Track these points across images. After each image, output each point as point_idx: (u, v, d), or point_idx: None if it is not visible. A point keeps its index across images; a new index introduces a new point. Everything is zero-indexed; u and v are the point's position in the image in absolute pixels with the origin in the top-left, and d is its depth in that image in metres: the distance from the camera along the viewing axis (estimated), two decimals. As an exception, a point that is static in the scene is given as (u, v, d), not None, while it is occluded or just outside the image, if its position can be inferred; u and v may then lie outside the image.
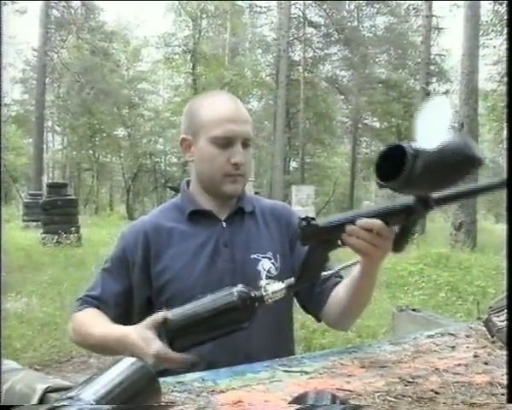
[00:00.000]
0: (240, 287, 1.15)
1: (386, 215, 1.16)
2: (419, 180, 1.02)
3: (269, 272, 1.47)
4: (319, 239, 1.20)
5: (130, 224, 1.62)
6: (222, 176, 1.46)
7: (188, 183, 1.60)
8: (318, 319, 1.56)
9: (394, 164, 1.01)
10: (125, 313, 1.49)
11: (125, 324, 1.38)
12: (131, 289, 1.50)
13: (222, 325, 1.15)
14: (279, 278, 1.34)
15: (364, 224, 1.15)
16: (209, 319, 1.13)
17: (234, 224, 1.53)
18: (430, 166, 1.01)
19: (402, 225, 1.18)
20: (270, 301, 1.18)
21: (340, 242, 1.20)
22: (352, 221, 1.16)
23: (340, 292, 1.44)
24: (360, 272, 1.30)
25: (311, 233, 1.19)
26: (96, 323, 1.42)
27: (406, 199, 1.15)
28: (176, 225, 1.52)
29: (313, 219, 1.19)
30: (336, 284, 1.47)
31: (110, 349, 1.35)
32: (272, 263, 1.49)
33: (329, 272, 1.28)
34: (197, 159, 1.50)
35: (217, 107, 1.47)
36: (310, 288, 1.50)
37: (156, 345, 1.17)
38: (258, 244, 1.51)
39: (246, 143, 1.47)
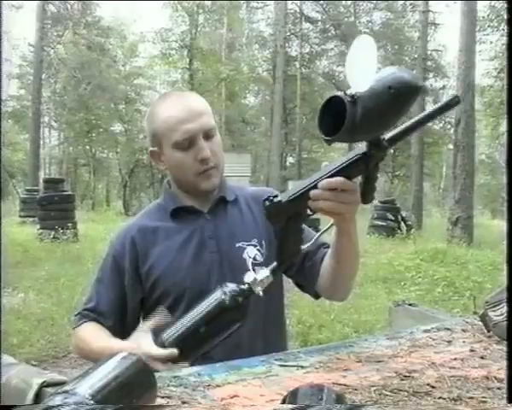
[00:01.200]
0: (229, 287, 1.15)
1: (345, 170, 1.12)
2: (363, 124, 0.99)
3: (255, 259, 1.48)
4: (287, 214, 1.17)
5: (116, 231, 1.63)
6: (194, 176, 1.47)
7: (169, 182, 1.61)
8: (315, 295, 1.55)
9: (337, 117, 0.99)
10: (122, 320, 1.50)
11: (123, 329, 1.42)
12: (125, 294, 1.51)
13: (220, 331, 1.16)
14: (265, 263, 1.33)
15: (326, 184, 1.12)
16: (206, 329, 1.13)
17: (217, 215, 1.54)
18: (370, 107, 0.97)
19: (365, 175, 1.14)
20: (259, 291, 1.17)
21: (308, 210, 1.17)
22: (314, 186, 1.13)
23: (327, 260, 1.44)
24: (338, 233, 1.31)
25: (277, 211, 1.16)
26: (94, 339, 1.44)
27: (360, 148, 1.11)
28: (160, 223, 1.53)
29: (276, 196, 1.17)
30: (326, 254, 1.47)
31: None
32: (258, 250, 1.50)
33: (309, 243, 1.25)
34: (169, 166, 1.52)
35: (168, 112, 1.46)
36: (300, 264, 1.50)
37: (144, 346, 1.19)
38: (243, 232, 1.52)
39: (208, 135, 1.47)
